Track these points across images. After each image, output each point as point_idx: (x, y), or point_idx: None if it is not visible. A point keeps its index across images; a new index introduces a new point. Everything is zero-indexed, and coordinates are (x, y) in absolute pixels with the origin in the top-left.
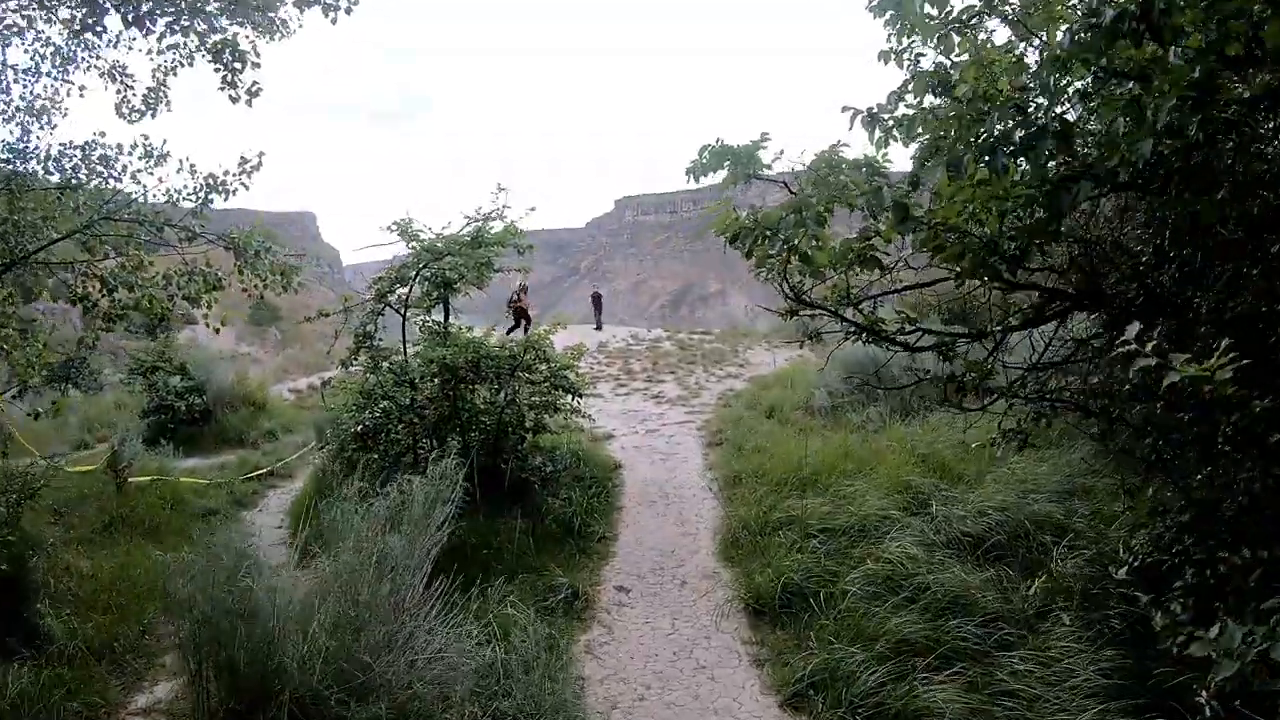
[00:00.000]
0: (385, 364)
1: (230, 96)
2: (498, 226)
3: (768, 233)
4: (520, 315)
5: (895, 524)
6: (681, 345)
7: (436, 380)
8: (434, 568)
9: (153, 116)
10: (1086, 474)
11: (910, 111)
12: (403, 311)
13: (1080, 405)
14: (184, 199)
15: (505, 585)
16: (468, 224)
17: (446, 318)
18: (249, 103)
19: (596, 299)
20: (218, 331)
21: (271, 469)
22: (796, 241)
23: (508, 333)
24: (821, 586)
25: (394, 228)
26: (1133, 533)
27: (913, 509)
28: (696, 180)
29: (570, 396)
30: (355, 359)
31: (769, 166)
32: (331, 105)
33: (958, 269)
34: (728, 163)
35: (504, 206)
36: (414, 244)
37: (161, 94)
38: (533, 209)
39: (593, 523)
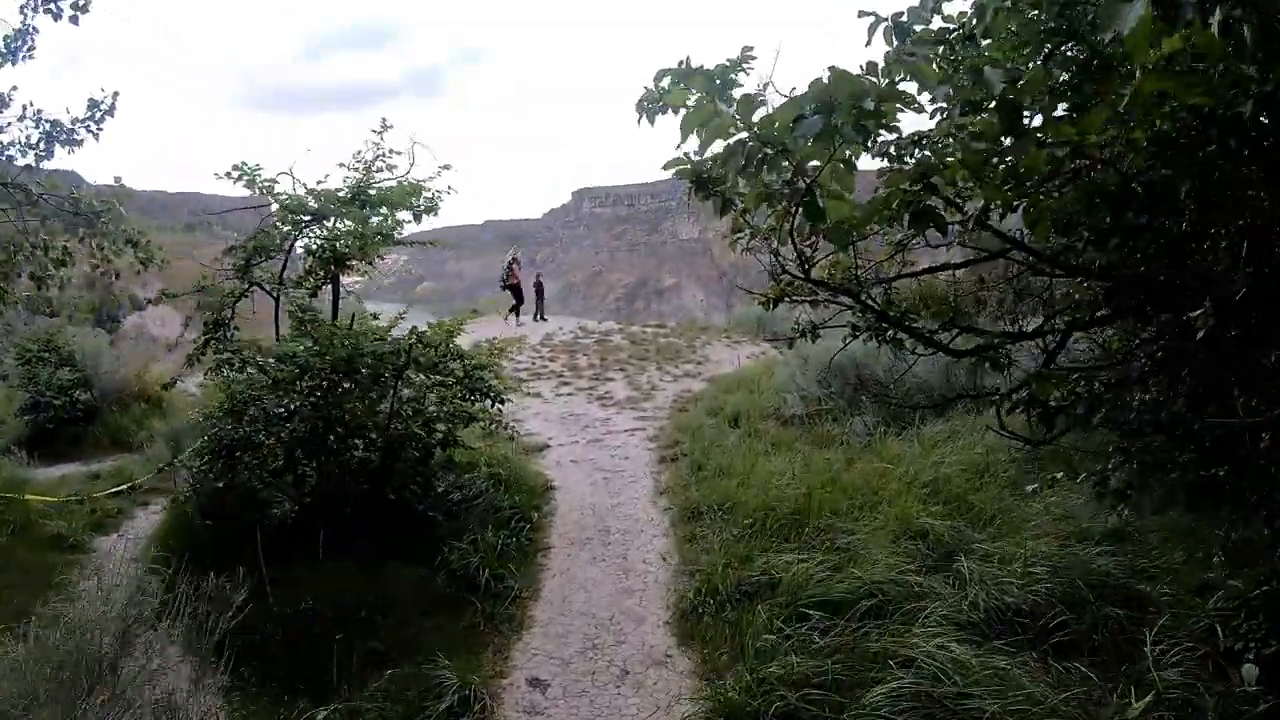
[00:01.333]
0: (249, 362)
1: (50, 12)
2: (389, 183)
3: (767, 152)
4: (516, 293)
5: (917, 594)
6: (634, 339)
7: (302, 383)
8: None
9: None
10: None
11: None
12: (275, 293)
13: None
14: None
15: (354, 698)
16: (355, 176)
17: (336, 301)
18: (74, 20)
19: (539, 287)
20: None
21: (139, 482)
22: (816, 173)
23: (509, 313)
24: (830, 715)
25: (236, 173)
26: (1241, 610)
27: (934, 564)
28: (652, 122)
29: (491, 403)
30: (202, 355)
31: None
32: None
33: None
34: (693, 94)
35: (389, 152)
36: (276, 199)
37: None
38: (446, 167)
39: (508, 574)
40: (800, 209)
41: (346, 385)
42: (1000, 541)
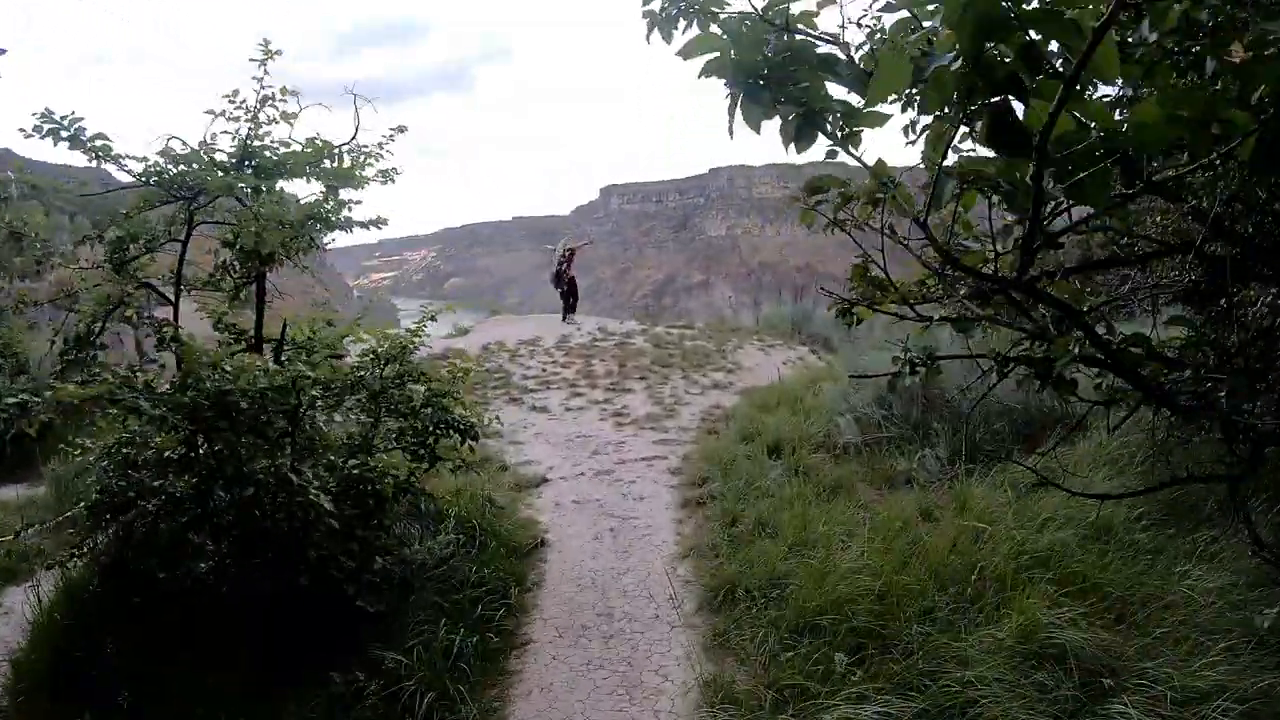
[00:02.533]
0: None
1: None
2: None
3: None
4: (572, 289)
5: None
6: (657, 342)
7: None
8: None
9: None
10: None
11: None
12: (174, 298)
13: None
14: None
15: None
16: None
17: (261, 310)
18: None
19: (571, 284)
20: None
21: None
22: None
23: (566, 314)
24: None
25: (46, 126)
26: None
27: (1080, 706)
28: (667, 39)
29: (460, 439)
30: (62, 377)
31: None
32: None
33: None
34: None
35: (275, 95)
36: (121, 166)
37: None
38: (401, 129)
39: (461, 697)
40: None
41: (226, 433)
42: (1163, 659)
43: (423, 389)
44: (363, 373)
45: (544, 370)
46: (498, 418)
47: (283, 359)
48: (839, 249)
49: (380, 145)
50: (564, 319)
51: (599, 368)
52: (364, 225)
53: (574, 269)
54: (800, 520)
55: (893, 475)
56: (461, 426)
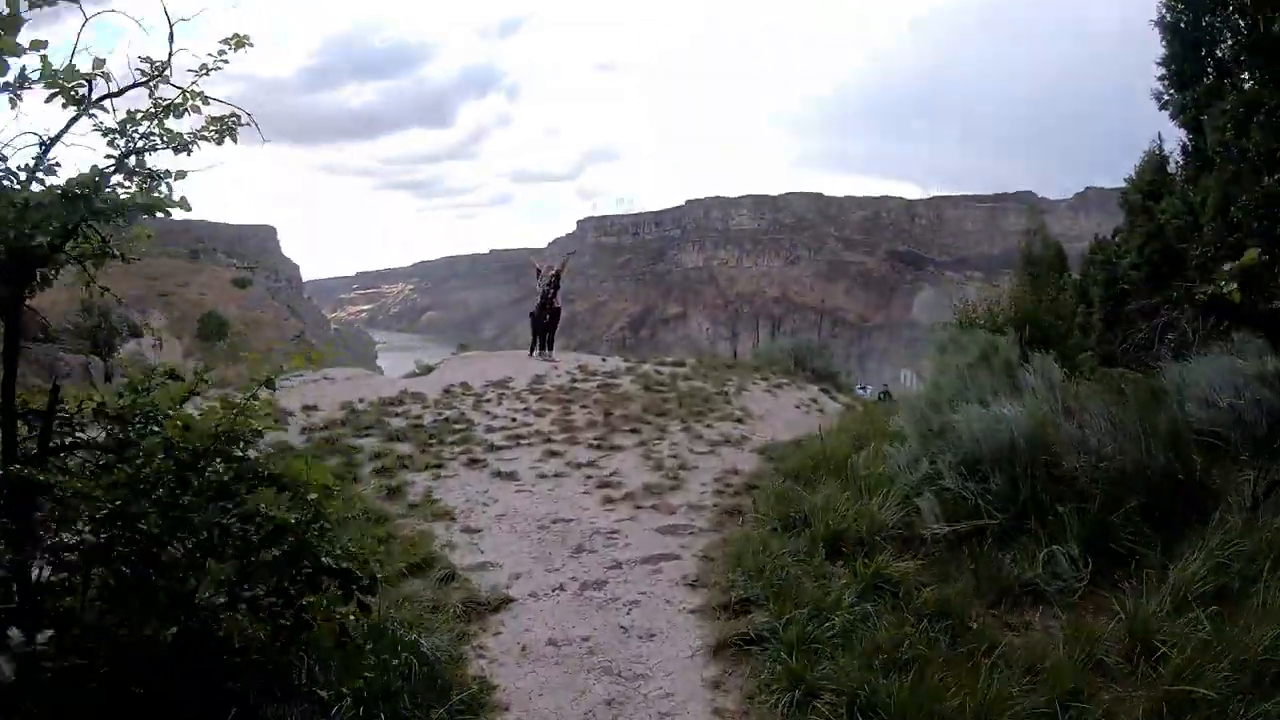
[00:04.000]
0: None
1: None
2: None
3: None
4: (553, 319)
5: None
6: (647, 383)
7: None
8: None
9: None
10: None
11: None
12: None
13: None
14: None
15: None
16: None
17: (14, 345)
18: None
19: (556, 314)
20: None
21: None
22: None
23: (540, 349)
24: None
25: None
26: None
27: None
28: None
29: (344, 594)
30: None
31: None
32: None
33: None
34: None
35: None
36: None
37: None
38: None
39: None
40: None
41: None
42: None
43: (271, 509)
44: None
45: (514, 420)
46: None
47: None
48: (815, 280)
49: (201, 72)
50: (537, 354)
51: (580, 417)
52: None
53: (557, 297)
54: (922, 697)
55: (1011, 586)
56: (342, 572)
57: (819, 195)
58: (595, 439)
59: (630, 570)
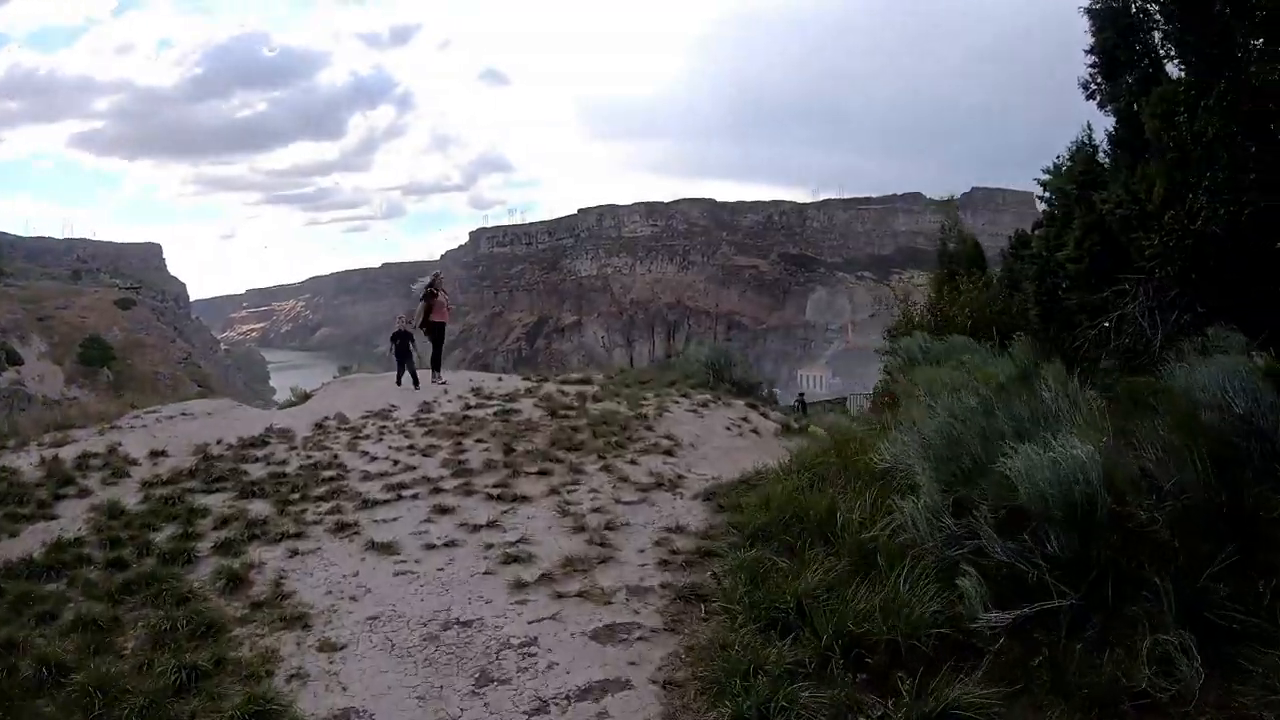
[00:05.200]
0: None
1: None
2: None
3: None
4: (436, 337)
5: None
6: (551, 407)
7: None
8: None
9: None
10: None
11: None
12: None
13: None
14: None
15: None
16: None
17: None
18: None
19: (403, 341)
20: None
21: None
22: None
23: (403, 377)
24: None
25: None
26: None
27: None
28: None
29: None
30: None
31: None
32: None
33: None
34: None
35: None
36: None
37: None
38: None
39: None
40: None
41: None
42: None
43: None
44: None
45: (395, 464)
46: None
47: None
48: (709, 284)
49: None
50: (401, 382)
51: (476, 455)
52: None
53: (446, 310)
54: None
55: (1117, 699)
56: None
57: (711, 201)
58: (495, 486)
59: (561, 717)
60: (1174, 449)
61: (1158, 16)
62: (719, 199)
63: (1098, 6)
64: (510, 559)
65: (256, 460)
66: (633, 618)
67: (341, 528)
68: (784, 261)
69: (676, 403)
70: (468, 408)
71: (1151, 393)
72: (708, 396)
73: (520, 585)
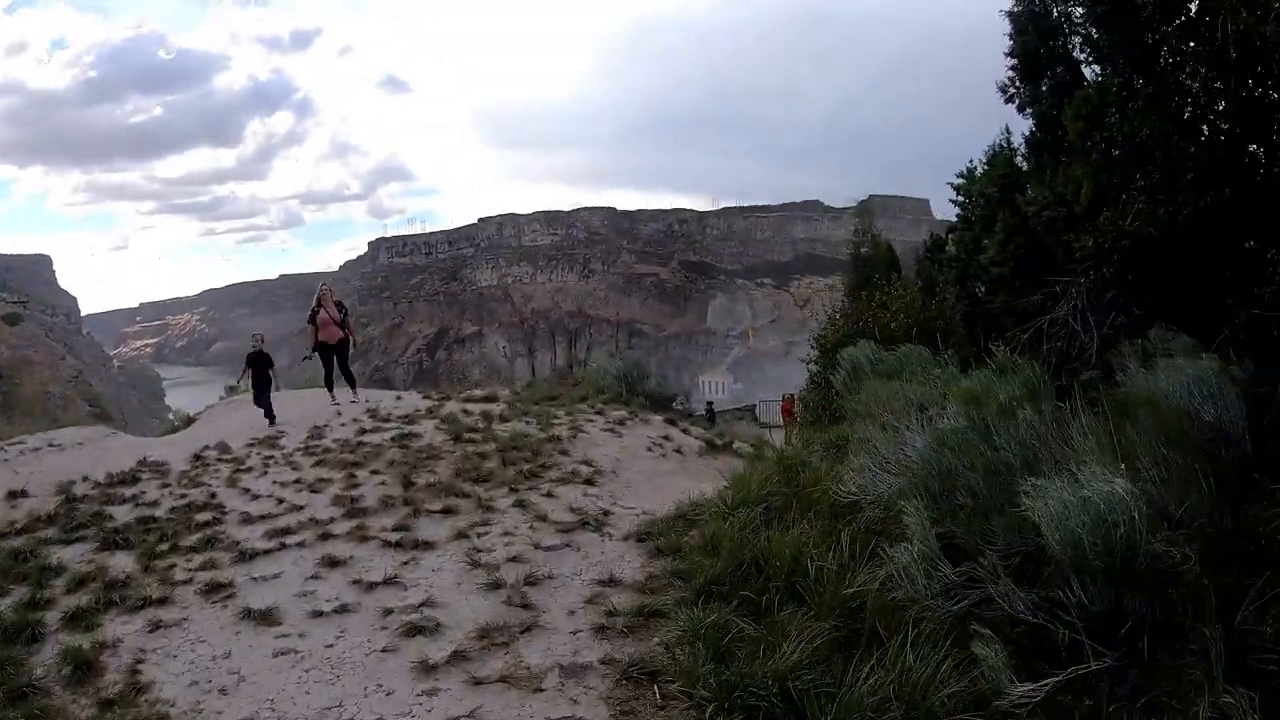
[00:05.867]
0: None
1: None
2: None
3: None
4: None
5: None
6: (455, 430)
7: None
8: None
9: None
10: None
11: None
12: None
13: None
14: None
15: None
16: None
17: None
18: None
19: (259, 361)
20: None
21: None
22: None
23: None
24: None
25: None
26: None
27: None
28: None
29: None
30: None
31: None
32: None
33: None
34: None
35: None
36: None
37: None
38: None
39: None
40: None
41: None
42: None
43: None
44: None
45: (280, 502)
46: None
47: None
48: (610, 292)
49: None
50: (265, 417)
51: (371, 490)
52: None
53: (335, 328)
54: None
55: None
56: None
57: (612, 209)
58: (394, 529)
59: None
60: (1176, 468)
61: (1079, 21)
62: (620, 207)
63: (1019, 9)
64: (414, 629)
65: (125, 501)
66: (571, 709)
67: (214, 589)
68: (684, 269)
69: (591, 421)
70: (362, 432)
71: (1141, 404)
72: (624, 413)
73: (428, 668)
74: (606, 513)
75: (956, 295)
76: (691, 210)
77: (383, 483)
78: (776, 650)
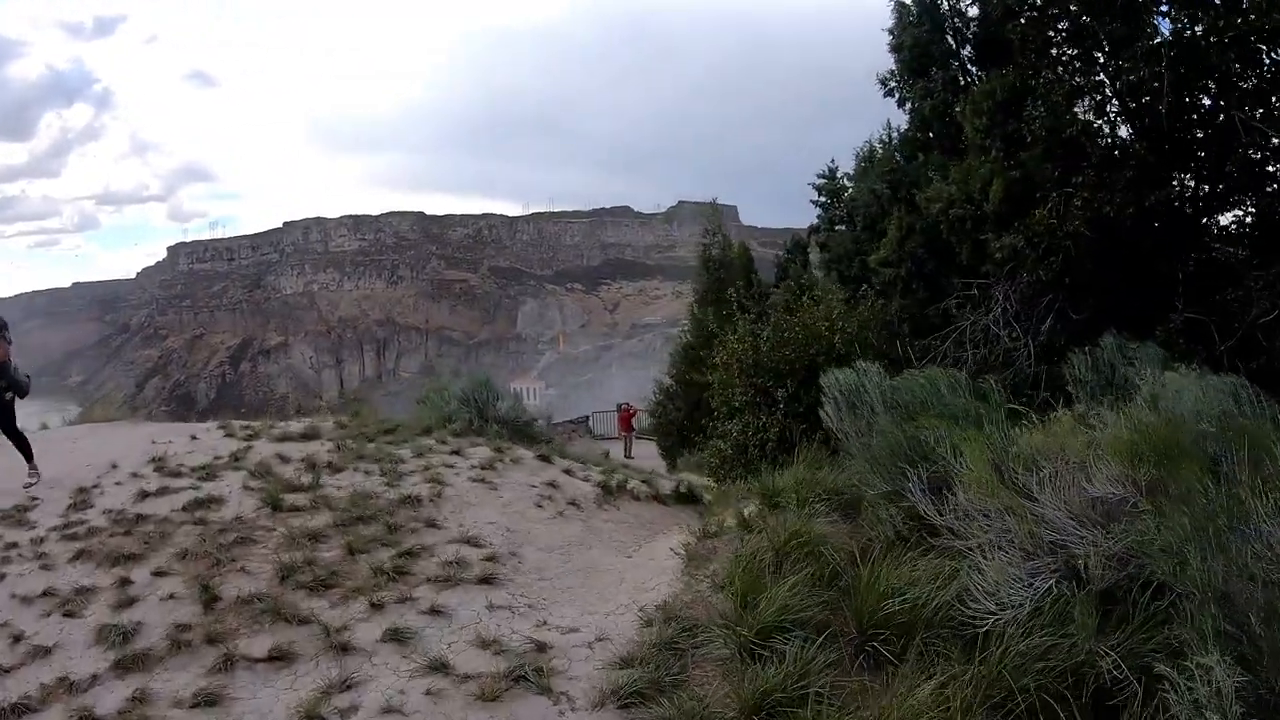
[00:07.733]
0: None
1: None
2: None
3: None
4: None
5: None
6: (273, 491)
7: None
8: None
9: None
10: None
11: None
12: None
13: None
14: None
15: None
16: None
17: None
18: None
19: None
20: None
21: None
22: None
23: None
24: None
25: None
26: None
27: None
28: None
29: None
30: None
31: None
32: None
33: None
34: None
35: None
36: None
37: None
38: None
39: None
40: None
41: None
42: None
43: None
44: None
45: (16, 641)
46: None
47: None
48: (419, 299)
49: None
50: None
51: (154, 610)
52: None
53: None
54: None
55: None
56: None
57: (421, 214)
58: (193, 700)
59: None
60: None
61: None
62: (429, 212)
63: (907, 3)
64: None
65: None
66: None
67: None
68: (494, 275)
69: (450, 467)
70: (144, 496)
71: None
72: (487, 451)
73: None
74: (540, 645)
75: (846, 300)
76: (501, 215)
77: (171, 595)
78: None
